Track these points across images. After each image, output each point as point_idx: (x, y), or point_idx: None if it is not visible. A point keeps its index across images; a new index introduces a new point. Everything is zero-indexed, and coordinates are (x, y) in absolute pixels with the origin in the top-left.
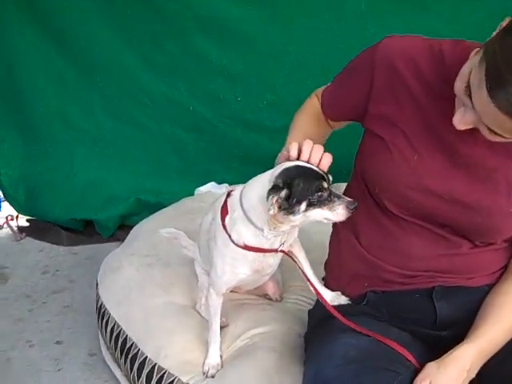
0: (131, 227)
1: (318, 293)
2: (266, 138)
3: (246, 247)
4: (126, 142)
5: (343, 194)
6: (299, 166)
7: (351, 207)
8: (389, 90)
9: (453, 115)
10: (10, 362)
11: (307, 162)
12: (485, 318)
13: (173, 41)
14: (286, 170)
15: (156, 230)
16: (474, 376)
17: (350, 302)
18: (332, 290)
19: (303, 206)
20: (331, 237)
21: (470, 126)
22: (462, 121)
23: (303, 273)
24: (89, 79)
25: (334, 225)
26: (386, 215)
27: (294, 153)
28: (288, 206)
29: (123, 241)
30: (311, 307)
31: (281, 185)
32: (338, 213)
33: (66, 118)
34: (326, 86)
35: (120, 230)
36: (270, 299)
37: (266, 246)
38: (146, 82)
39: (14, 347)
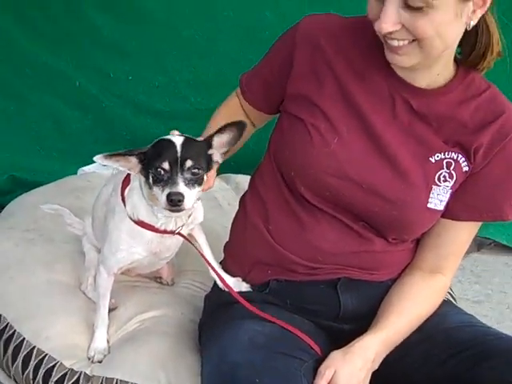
0: (2, 207)
1: (221, 279)
2: (156, 121)
3: (140, 223)
4: (1, 115)
5: (254, 176)
6: (168, 139)
7: (171, 198)
8: (309, 68)
9: (376, 95)
10: None
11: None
12: (389, 309)
13: (63, 9)
14: (158, 140)
15: (37, 206)
16: (376, 367)
17: (251, 289)
18: (232, 276)
19: (150, 179)
20: (236, 218)
21: (397, 23)
22: (384, 19)
23: (204, 257)
24: None
25: (242, 206)
26: (300, 203)
27: None
28: (145, 176)
29: None
30: (205, 293)
31: (136, 152)
32: (162, 198)
33: None
34: (245, 73)
35: None
36: (161, 283)
37: (159, 226)
38: (28, 50)
39: None
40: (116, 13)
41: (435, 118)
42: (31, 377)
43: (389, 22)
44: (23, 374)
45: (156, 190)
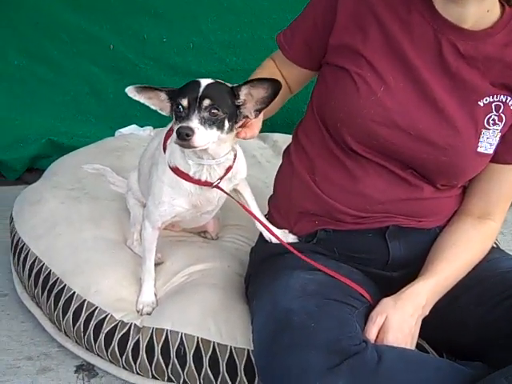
0: (41, 171)
1: (269, 229)
2: None
3: (177, 170)
4: (38, 81)
5: (297, 132)
6: (196, 80)
7: (178, 131)
8: (353, 18)
9: (422, 41)
10: None
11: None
12: (439, 255)
13: None
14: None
15: (79, 166)
16: (427, 313)
17: (297, 240)
18: (278, 228)
19: (174, 117)
20: (280, 171)
21: None
22: None
23: (248, 211)
24: None
25: (287, 160)
26: (347, 155)
27: None
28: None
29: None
30: (249, 247)
31: (167, 89)
32: (174, 134)
33: None
34: (282, 31)
35: (28, 173)
36: (205, 237)
37: (193, 175)
38: (63, 16)
39: None
40: None
41: (482, 61)
42: (82, 329)
43: None
44: (74, 326)
45: (176, 126)
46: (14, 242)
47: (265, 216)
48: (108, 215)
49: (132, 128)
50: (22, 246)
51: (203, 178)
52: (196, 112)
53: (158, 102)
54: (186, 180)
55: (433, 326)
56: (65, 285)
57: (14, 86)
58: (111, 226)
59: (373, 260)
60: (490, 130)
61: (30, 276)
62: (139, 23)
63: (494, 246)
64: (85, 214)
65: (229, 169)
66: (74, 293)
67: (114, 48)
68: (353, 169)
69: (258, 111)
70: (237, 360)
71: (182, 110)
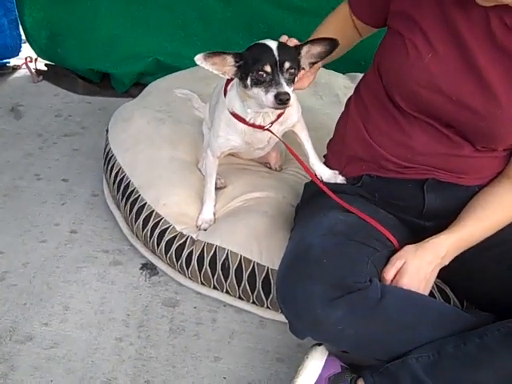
0: (145, 86)
1: (309, 172)
2: (292, 16)
3: (234, 115)
4: (153, 4)
5: (359, 82)
6: (264, 44)
7: (279, 98)
8: None
9: (472, 15)
10: (17, 190)
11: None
12: (470, 213)
13: None
14: (253, 45)
15: (171, 90)
16: (446, 263)
17: (345, 181)
18: (331, 169)
19: (249, 80)
20: (340, 118)
21: None
22: None
23: (291, 152)
24: None
25: (346, 108)
26: (397, 108)
27: None
28: (240, 77)
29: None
30: (308, 181)
31: (237, 55)
32: (267, 98)
33: None
34: None
35: (134, 87)
36: (270, 168)
37: (249, 120)
38: None
39: (23, 177)
40: None
41: None
42: (149, 234)
43: None
44: (143, 231)
45: (257, 90)
46: (106, 151)
47: (324, 156)
48: (185, 138)
49: None
50: (111, 156)
51: (257, 123)
52: (281, 75)
53: (221, 67)
54: (242, 123)
55: (455, 273)
56: (139, 195)
57: (131, 8)
58: (186, 149)
59: (409, 208)
60: None
61: (114, 182)
62: None
63: None
64: (166, 135)
65: (280, 114)
66: (146, 203)
67: None
68: (400, 121)
69: (312, 64)
70: (271, 279)
71: (264, 75)
